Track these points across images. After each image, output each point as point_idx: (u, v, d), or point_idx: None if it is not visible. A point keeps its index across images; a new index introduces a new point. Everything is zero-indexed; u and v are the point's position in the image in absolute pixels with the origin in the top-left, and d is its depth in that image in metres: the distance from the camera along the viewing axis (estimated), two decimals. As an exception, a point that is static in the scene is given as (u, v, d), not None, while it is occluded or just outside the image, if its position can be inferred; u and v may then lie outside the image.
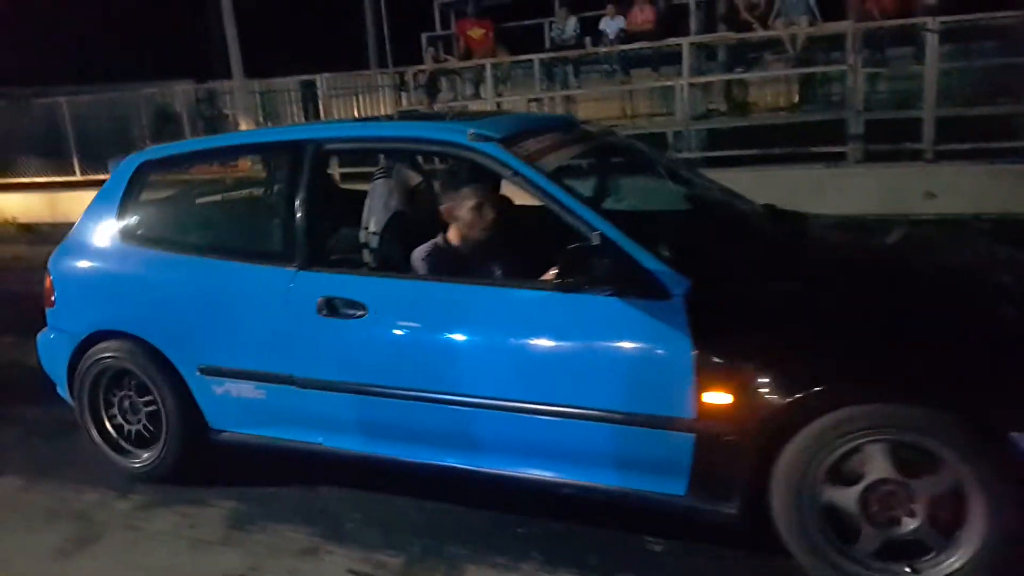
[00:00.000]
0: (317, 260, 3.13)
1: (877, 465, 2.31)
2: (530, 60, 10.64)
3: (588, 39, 10.80)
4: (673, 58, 9.42)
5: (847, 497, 2.35)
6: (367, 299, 2.95)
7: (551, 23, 11.89)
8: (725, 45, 9.70)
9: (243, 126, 13.37)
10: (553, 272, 2.64)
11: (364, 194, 3.60)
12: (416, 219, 3.40)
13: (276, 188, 3.46)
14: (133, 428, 3.61)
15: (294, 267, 3.11)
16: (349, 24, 18.58)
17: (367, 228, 3.38)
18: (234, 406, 3.32)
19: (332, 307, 3.00)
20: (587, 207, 2.72)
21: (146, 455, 3.58)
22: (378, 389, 2.97)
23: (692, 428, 2.47)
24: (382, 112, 16.47)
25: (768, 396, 2.36)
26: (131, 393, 3.57)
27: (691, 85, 9.02)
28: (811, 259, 3.07)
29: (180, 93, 12.16)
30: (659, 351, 2.50)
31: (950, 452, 2.22)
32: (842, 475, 2.36)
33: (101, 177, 11.05)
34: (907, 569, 2.33)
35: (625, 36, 10.44)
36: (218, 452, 3.48)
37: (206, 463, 3.55)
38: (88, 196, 4.32)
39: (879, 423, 2.28)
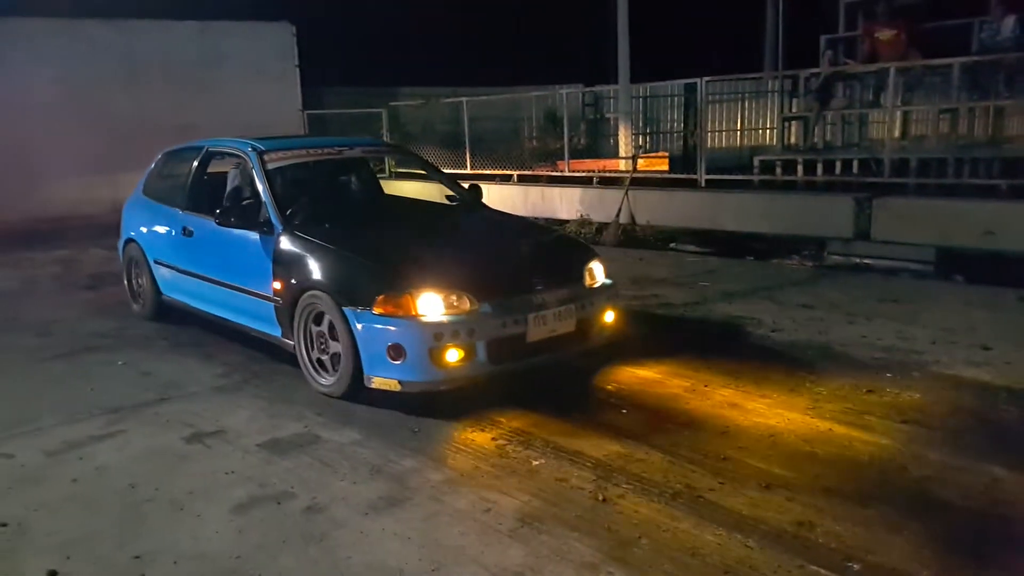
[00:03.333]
0: (189, 207, 5.91)
1: (324, 324, 4.56)
2: (949, 65, 9.19)
3: (1031, 41, 8.96)
4: None
5: (315, 334, 4.65)
6: (195, 228, 5.75)
7: (981, 23, 10.13)
8: None
9: (622, 129, 13.57)
10: (217, 213, 5.27)
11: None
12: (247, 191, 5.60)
13: (190, 168, 6.15)
14: (137, 290, 6.63)
15: (181, 209, 5.96)
16: (742, 28, 18.01)
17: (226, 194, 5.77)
18: (165, 282, 6.24)
19: (186, 231, 5.82)
20: (266, 186, 5.16)
21: (139, 305, 6.64)
22: (199, 275, 5.69)
23: (271, 300, 4.92)
24: (768, 118, 15.75)
25: (288, 285, 4.76)
26: (139, 272, 6.55)
27: None
28: (386, 227, 5.40)
29: (565, 96, 12.62)
30: (264, 261, 4.93)
31: (337, 321, 4.42)
32: (318, 323, 4.62)
33: (488, 172, 12.16)
34: (324, 378, 4.65)
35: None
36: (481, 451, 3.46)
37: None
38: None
39: (317, 302, 4.57)
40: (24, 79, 12.05)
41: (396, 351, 4.17)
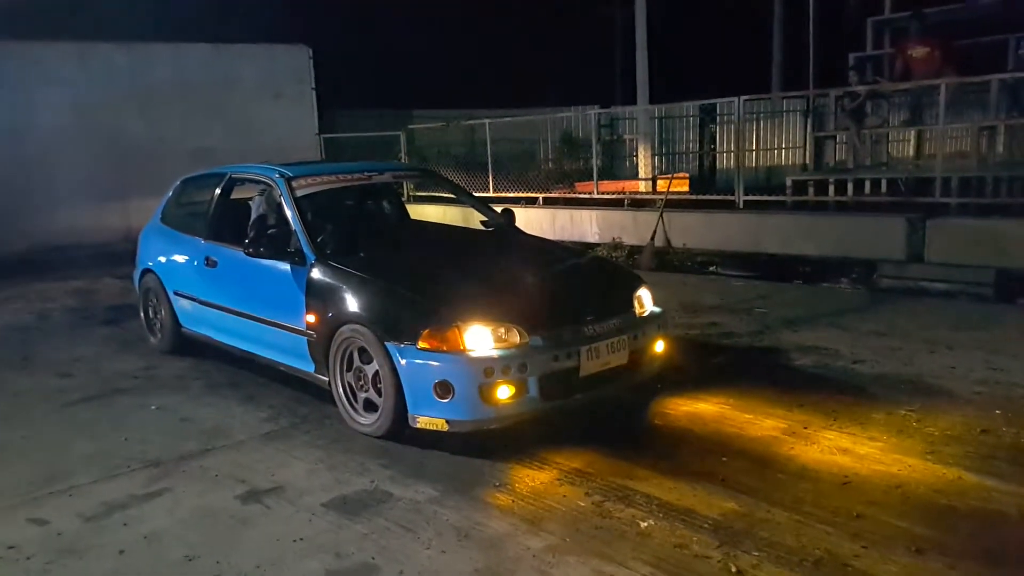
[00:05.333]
0: (211, 236, 5.59)
1: (363, 359, 4.28)
2: (987, 81, 8.94)
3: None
4: None
5: (353, 370, 4.36)
6: (219, 258, 5.43)
7: (1018, 40, 9.89)
8: None
9: (641, 149, 13.30)
10: (245, 243, 4.95)
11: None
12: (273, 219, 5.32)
13: (212, 195, 5.82)
14: (155, 323, 6.33)
15: (202, 238, 5.64)
16: (752, 50, 17.85)
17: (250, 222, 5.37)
18: (185, 314, 5.91)
19: (209, 261, 5.50)
20: (296, 214, 4.88)
21: (156, 338, 6.31)
22: (224, 307, 5.37)
23: (304, 334, 4.63)
24: (789, 136, 15.57)
25: (324, 319, 4.47)
26: (156, 304, 6.24)
27: None
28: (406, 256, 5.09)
29: (594, 116, 12.34)
30: (296, 293, 4.65)
31: (378, 356, 4.13)
32: (364, 360, 4.29)
33: (512, 195, 11.79)
34: (364, 417, 4.35)
35: None
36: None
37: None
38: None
39: (356, 336, 4.28)
40: (35, 103, 11.65)
41: (443, 388, 3.90)
